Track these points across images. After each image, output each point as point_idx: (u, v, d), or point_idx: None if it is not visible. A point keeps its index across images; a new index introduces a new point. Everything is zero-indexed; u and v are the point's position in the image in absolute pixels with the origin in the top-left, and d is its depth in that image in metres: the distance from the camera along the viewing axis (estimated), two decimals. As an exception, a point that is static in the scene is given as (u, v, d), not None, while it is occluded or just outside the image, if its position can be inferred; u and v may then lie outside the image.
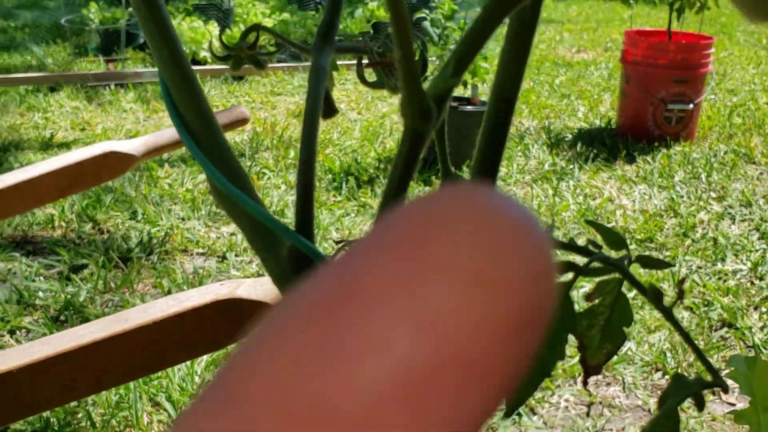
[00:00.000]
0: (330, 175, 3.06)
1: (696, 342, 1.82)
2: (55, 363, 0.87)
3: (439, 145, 0.34)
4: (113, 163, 1.44)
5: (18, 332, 2.03)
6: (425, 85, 0.25)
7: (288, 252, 0.31)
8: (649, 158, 3.30)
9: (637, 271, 2.27)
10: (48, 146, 3.43)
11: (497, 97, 0.29)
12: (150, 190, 2.85)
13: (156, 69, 3.24)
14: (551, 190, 2.96)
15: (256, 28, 0.38)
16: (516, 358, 0.10)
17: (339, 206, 2.79)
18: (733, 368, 0.51)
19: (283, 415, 0.10)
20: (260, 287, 0.84)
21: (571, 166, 3.21)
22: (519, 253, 0.10)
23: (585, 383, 0.40)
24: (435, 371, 0.10)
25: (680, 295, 0.38)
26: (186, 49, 4.55)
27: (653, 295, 0.36)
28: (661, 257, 2.43)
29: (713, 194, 2.97)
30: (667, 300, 0.39)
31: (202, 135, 0.33)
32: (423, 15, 3.01)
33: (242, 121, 1.58)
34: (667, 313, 0.36)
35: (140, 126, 3.71)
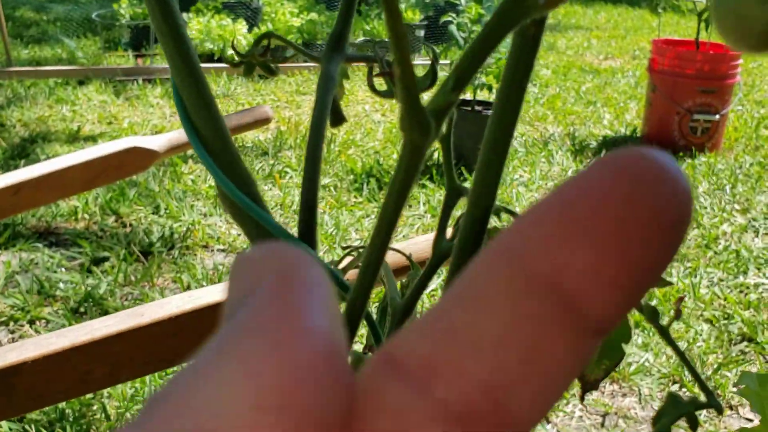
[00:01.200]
0: (351, 176, 3.07)
1: (714, 355, 1.80)
2: (71, 355, 0.88)
3: (444, 155, 0.35)
4: (136, 159, 1.46)
5: (38, 322, 2.05)
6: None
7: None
8: (673, 168, 3.28)
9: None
10: (75, 139, 3.46)
11: (502, 106, 0.29)
12: (173, 186, 2.87)
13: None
14: (573, 198, 2.95)
15: (269, 35, 0.38)
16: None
17: (359, 207, 2.80)
18: (744, 386, 0.51)
19: None
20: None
21: (595, 174, 3.19)
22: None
23: (582, 398, 0.41)
24: None
25: (677, 314, 0.37)
26: (214, 46, 4.58)
27: (649, 314, 0.36)
28: (682, 268, 2.42)
29: (737, 206, 2.94)
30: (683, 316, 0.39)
31: (211, 139, 0.33)
32: (450, 18, 3.01)
33: (265, 120, 1.59)
34: (664, 332, 0.35)
35: (166, 121, 3.74)
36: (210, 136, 0.33)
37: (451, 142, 0.36)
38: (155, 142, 1.43)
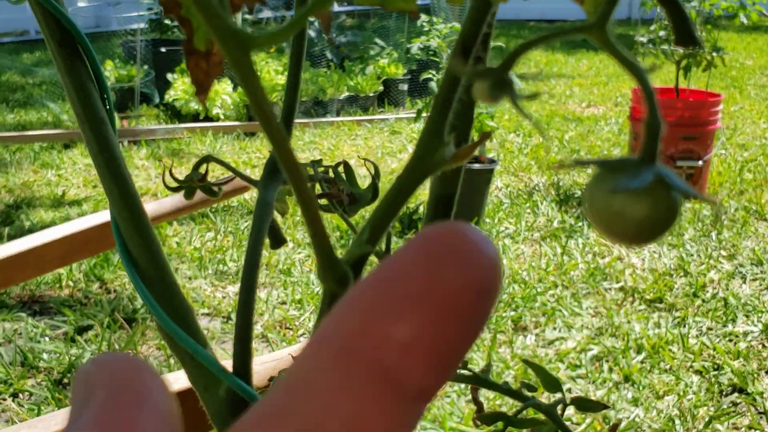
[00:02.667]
0: (338, 233, 3.07)
1: (705, 408, 1.78)
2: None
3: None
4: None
5: (21, 395, 2.02)
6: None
7: (226, 393, 0.31)
8: (658, 215, 3.29)
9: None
10: (59, 204, 3.46)
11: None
12: (158, 249, 2.86)
13: (169, 126, 3.27)
14: (560, 248, 2.95)
15: (208, 159, 0.38)
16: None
17: (346, 265, 2.79)
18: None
19: None
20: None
21: (581, 224, 3.20)
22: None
23: None
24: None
25: (611, 437, 0.36)
26: (199, 106, 4.61)
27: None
28: (671, 318, 2.41)
29: (723, 252, 2.94)
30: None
31: (148, 270, 0.33)
32: (430, 75, 3.04)
33: (244, 189, 1.58)
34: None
35: (152, 183, 3.74)
36: (147, 266, 0.33)
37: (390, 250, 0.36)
38: (132, 216, 1.42)
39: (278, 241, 0.37)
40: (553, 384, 0.37)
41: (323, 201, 0.37)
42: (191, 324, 0.33)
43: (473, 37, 0.22)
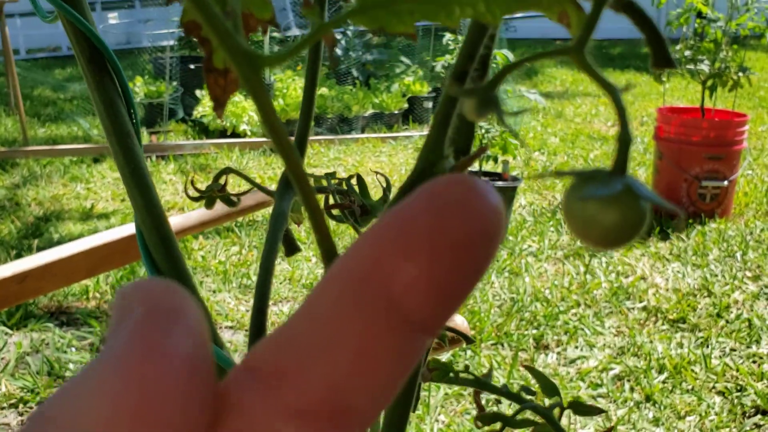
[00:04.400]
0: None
1: (727, 430, 1.76)
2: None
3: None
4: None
5: (47, 405, 2.05)
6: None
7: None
8: (683, 236, 3.27)
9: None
10: (88, 217, 3.51)
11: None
12: (183, 263, 2.89)
13: (197, 141, 3.30)
14: (583, 267, 2.95)
15: (227, 171, 0.40)
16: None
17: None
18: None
19: None
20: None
21: (604, 243, 3.18)
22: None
23: None
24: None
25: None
26: (227, 122, 4.66)
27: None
28: (693, 338, 2.39)
29: (748, 273, 2.92)
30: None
31: (170, 277, 0.35)
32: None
33: (268, 203, 1.61)
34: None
35: (179, 197, 3.79)
36: (169, 273, 0.35)
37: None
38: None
39: (292, 248, 0.39)
40: (551, 388, 0.38)
41: (336, 211, 0.38)
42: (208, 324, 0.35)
43: (471, 58, 0.23)
